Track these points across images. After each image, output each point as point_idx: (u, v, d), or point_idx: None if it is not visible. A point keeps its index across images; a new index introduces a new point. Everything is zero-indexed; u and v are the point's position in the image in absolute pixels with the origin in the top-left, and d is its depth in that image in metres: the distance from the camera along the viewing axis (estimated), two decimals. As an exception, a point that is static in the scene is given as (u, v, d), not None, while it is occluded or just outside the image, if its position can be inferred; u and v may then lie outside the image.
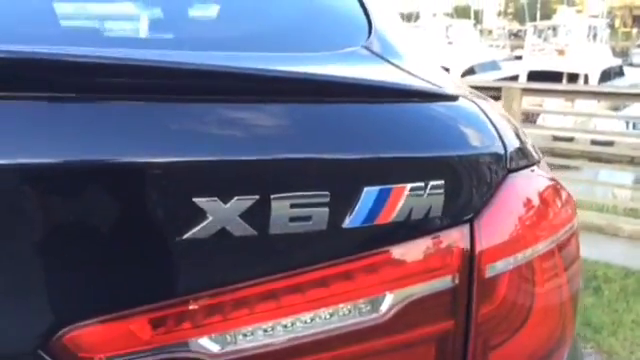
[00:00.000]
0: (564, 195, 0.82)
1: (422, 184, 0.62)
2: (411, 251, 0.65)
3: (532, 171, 0.78)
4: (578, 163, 6.06)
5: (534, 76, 25.15)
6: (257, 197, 0.56)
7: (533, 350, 0.75)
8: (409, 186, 0.62)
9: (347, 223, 0.60)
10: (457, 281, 0.67)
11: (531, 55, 25.44)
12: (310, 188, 0.59)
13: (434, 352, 0.68)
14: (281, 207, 0.57)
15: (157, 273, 0.59)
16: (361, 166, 0.63)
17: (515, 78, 26.30)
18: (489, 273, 0.68)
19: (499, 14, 63.06)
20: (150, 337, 0.59)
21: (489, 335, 0.70)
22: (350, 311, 0.64)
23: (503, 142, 0.72)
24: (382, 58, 0.80)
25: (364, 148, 0.63)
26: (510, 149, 0.72)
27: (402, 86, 0.71)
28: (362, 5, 0.95)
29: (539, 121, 11.81)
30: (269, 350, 0.61)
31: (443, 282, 0.67)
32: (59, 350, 0.58)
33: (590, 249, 3.58)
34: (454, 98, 0.73)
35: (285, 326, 0.61)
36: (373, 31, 0.88)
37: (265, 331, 0.61)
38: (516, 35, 49.24)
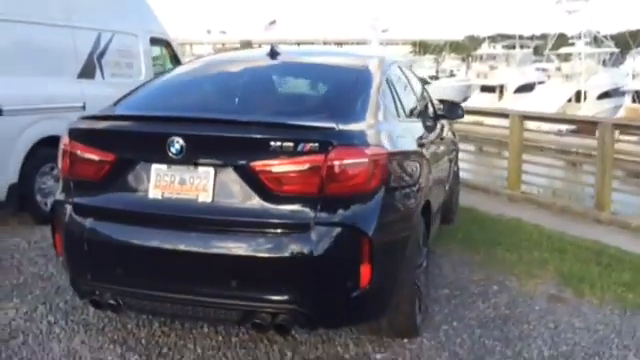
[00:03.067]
0: (362, 157, 2.72)
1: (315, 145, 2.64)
2: (315, 154, 2.62)
3: (351, 144, 2.71)
4: None
5: None
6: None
7: (351, 189, 2.72)
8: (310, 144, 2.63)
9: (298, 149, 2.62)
10: (322, 162, 2.60)
11: None
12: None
13: (317, 179, 2.62)
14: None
15: None
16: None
17: None
18: (331, 164, 2.64)
19: None
20: None
21: (333, 178, 2.61)
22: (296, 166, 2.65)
23: (336, 132, 2.71)
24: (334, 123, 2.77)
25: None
26: (338, 137, 2.67)
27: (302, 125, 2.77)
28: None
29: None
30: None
31: (319, 161, 2.62)
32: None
33: None
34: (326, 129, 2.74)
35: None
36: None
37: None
38: None
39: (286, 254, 2.63)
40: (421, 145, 3.69)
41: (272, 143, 2.63)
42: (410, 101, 4.21)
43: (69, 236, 2.96)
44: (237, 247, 2.68)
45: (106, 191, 2.89)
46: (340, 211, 2.69)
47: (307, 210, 2.66)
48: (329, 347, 3.28)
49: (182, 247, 2.73)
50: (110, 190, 2.88)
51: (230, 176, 2.71)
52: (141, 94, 3.39)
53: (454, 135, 6.00)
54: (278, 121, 2.80)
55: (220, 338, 3.33)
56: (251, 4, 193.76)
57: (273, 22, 76.72)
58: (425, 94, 4.98)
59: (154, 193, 2.79)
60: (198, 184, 2.74)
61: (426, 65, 61.18)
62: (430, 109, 4.87)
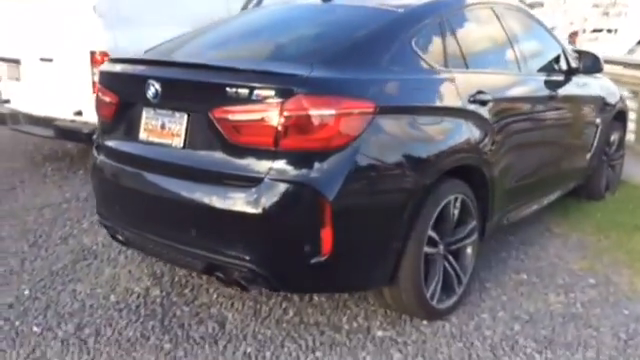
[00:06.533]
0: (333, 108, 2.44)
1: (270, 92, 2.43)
2: (271, 103, 2.43)
3: (318, 93, 2.43)
4: None
5: None
6: None
7: (314, 144, 2.46)
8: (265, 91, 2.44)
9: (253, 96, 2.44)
10: (279, 112, 2.41)
11: None
12: None
13: (273, 130, 2.41)
14: None
15: None
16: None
17: None
18: (289, 114, 2.42)
19: None
20: None
21: (291, 131, 2.41)
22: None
23: (303, 79, 2.44)
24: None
25: None
26: (304, 85, 2.41)
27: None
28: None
29: None
30: None
31: (274, 111, 2.45)
32: None
33: None
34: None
35: None
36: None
37: None
38: None
39: (239, 209, 2.50)
40: (481, 102, 3.11)
41: (229, 89, 2.48)
42: (495, 51, 3.60)
43: (92, 173, 3.21)
44: (197, 196, 2.62)
45: (113, 131, 3.05)
46: (298, 168, 2.46)
47: (261, 164, 2.48)
48: (335, 314, 3.08)
49: (155, 191, 2.77)
50: (115, 131, 3.03)
51: (200, 123, 2.64)
52: (173, 41, 3.44)
53: (613, 94, 4.92)
54: (243, 67, 2.62)
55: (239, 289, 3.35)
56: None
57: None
58: (552, 44, 4.21)
59: (142, 136, 2.87)
60: (174, 129, 2.73)
61: None
62: (561, 62, 4.16)
